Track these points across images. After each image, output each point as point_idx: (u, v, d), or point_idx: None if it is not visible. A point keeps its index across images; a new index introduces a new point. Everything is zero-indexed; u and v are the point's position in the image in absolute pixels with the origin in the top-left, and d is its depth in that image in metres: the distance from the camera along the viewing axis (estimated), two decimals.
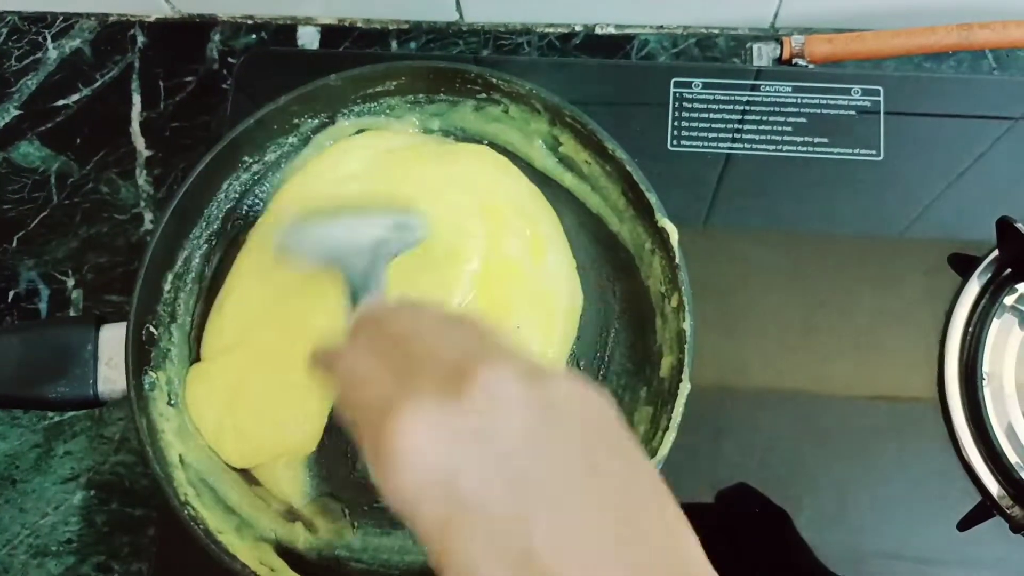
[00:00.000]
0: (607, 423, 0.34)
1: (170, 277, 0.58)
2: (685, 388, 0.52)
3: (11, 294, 0.68)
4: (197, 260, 0.60)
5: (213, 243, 0.61)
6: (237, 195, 0.61)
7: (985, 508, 0.56)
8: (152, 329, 0.56)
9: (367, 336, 0.38)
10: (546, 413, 0.33)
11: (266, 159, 0.61)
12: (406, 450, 0.32)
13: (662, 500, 0.33)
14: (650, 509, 0.33)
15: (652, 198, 0.55)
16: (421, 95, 0.62)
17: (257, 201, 0.62)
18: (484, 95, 0.61)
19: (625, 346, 0.59)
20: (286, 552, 0.55)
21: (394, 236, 0.49)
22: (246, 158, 0.60)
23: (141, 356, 0.54)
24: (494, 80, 0.59)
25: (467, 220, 0.57)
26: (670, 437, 0.52)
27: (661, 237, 0.56)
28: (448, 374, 0.33)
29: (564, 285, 0.59)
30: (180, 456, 0.54)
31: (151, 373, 0.55)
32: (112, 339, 0.54)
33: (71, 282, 0.68)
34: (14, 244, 0.69)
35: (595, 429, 0.34)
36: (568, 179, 0.61)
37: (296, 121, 0.61)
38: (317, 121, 0.61)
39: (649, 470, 0.34)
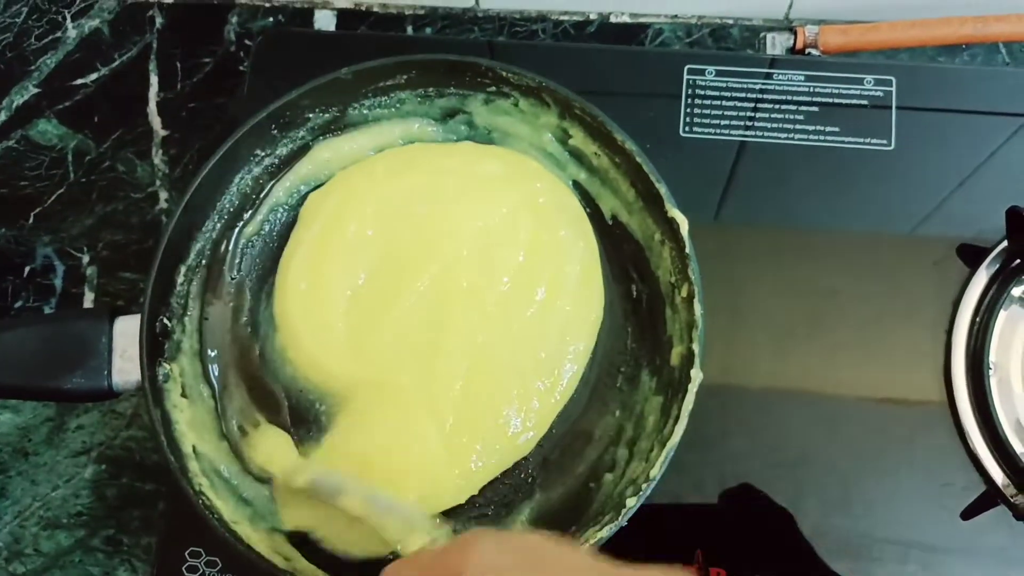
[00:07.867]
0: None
1: (183, 270, 0.58)
2: (697, 376, 0.52)
3: (27, 269, 0.69)
4: (209, 252, 0.60)
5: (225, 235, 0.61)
6: (249, 187, 0.61)
7: (989, 497, 0.56)
8: (166, 321, 0.56)
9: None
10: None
11: (277, 152, 0.61)
12: None
13: None
14: None
15: (662, 188, 0.55)
16: (431, 88, 0.62)
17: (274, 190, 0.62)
18: (494, 88, 0.61)
19: (635, 337, 0.59)
20: (299, 543, 0.55)
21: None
22: (258, 152, 0.60)
23: (155, 348, 0.55)
24: (504, 73, 0.59)
25: (518, 215, 0.59)
26: (680, 427, 0.52)
27: (671, 227, 0.55)
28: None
29: (591, 268, 0.59)
30: (194, 447, 0.55)
31: (165, 365, 0.55)
32: (126, 331, 0.54)
33: (86, 259, 0.69)
34: (31, 220, 0.70)
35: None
36: (577, 171, 0.62)
37: (307, 115, 0.61)
38: (328, 115, 0.61)
39: None
